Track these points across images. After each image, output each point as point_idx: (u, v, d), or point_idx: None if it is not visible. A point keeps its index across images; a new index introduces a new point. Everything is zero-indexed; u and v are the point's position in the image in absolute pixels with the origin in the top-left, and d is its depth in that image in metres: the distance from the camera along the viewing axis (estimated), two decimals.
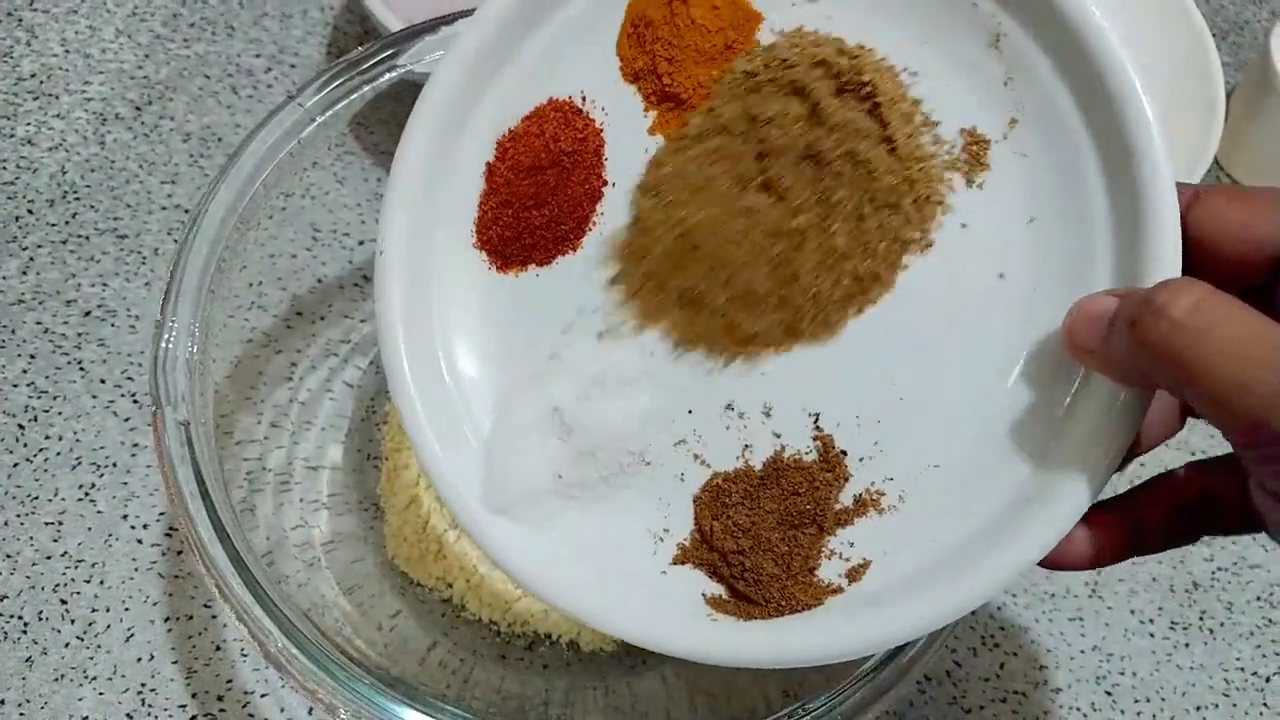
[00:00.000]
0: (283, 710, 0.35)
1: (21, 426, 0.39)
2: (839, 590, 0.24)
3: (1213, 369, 0.18)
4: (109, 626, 0.36)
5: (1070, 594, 0.40)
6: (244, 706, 0.35)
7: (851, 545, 0.24)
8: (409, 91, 0.45)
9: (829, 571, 0.24)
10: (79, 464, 0.38)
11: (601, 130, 0.27)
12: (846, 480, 0.25)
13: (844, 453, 0.25)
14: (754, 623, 0.24)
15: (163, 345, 0.28)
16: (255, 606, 0.25)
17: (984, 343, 0.24)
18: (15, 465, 0.38)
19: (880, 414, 0.25)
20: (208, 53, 0.47)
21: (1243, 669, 0.39)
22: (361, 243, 0.43)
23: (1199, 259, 0.22)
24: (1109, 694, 0.38)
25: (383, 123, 0.45)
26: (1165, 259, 0.22)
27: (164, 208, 0.43)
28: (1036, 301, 0.24)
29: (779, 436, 0.25)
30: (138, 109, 0.45)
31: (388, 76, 0.35)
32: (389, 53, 0.34)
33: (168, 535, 0.38)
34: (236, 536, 0.26)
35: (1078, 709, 0.38)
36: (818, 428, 0.25)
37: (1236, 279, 0.21)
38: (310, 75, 0.47)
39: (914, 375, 0.25)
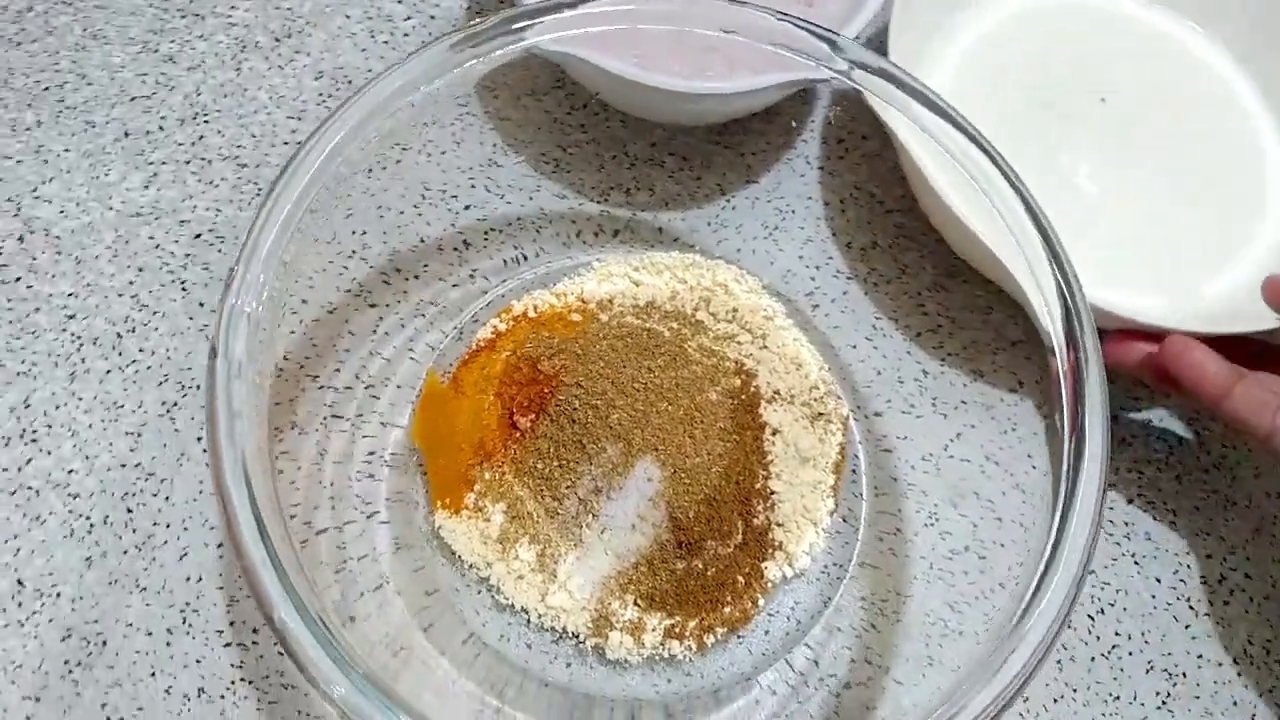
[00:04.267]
0: None
1: (119, 335, 0.40)
2: None
3: None
4: (166, 542, 0.37)
5: (1137, 701, 0.37)
6: (275, 644, 0.36)
7: None
8: (538, 62, 0.45)
9: None
10: (165, 380, 0.39)
11: None
12: None
13: None
14: None
15: (231, 301, 0.28)
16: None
17: None
18: (108, 372, 0.39)
19: None
20: None
21: None
22: (467, 207, 0.43)
23: None
24: None
25: (508, 87, 0.45)
26: None
27: (286, 142, 0.44)
28: None
29: None
30: (276, 40, 0.46)
31: (515, 46, 0.34)
32: (523, 24, 0.33)
33: None
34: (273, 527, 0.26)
35: None
36: None
37: None
38: (448, 29, 0.47)
39: None
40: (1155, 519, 0.40)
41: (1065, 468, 0.28)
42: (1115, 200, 0.43)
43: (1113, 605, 0.39)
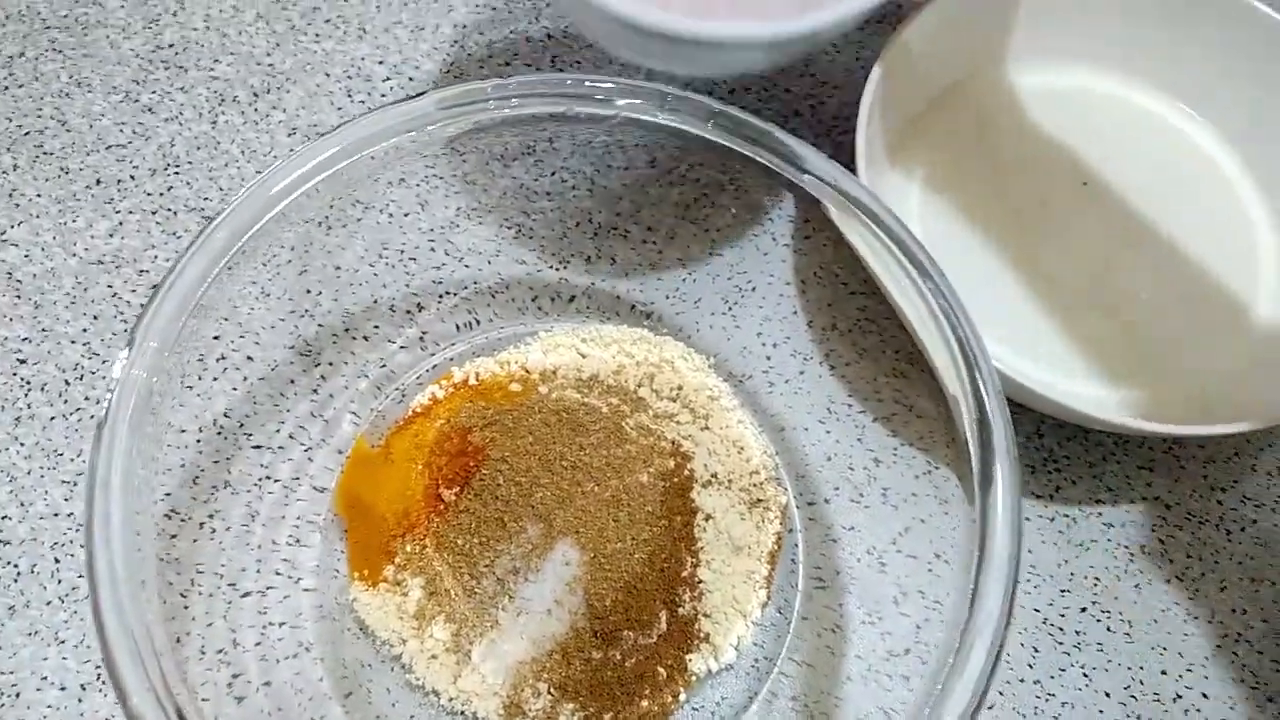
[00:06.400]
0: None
1: (67, 383, 0.40)
2: None
3: None
4: (89, 596, 0.37)
5: None
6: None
7: None
8: (509, 128, 0.45)
9: None
10: None
11: None
12: None
13: None
14: None
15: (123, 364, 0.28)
16: None
17: None
18: (51, 419, 0.40)
19: None
20: (334, 51, 0.48)
21: None
22: (425, 269, 0.43)
23: None
24: None
25: (477, 151, 0.45)
26: None
27: None
28: None
29: None
30: (255, 95, 0.46)
31: (490, 114, 0.35)
32: (500, 92, 0.33)
33: (167, 518, 0.38)
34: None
35: None
36: None
37: None
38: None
39: None
40: (1109, 630, 0.38)
41: (972, 578, 0.27)
42: (1100, 290, 0.42)
43: (1057, 718, 0.37)
